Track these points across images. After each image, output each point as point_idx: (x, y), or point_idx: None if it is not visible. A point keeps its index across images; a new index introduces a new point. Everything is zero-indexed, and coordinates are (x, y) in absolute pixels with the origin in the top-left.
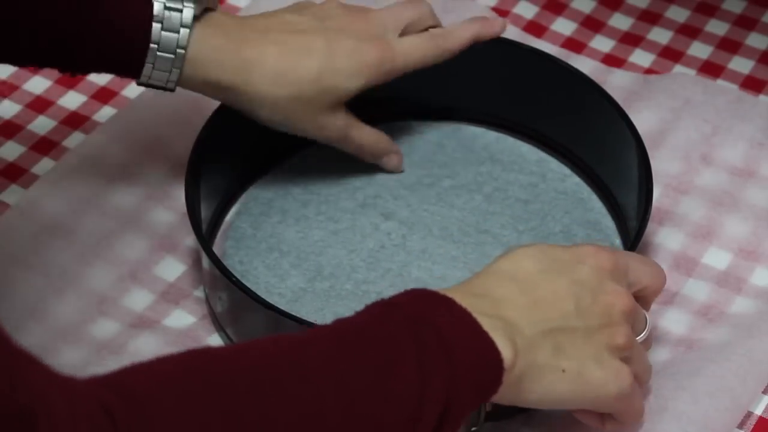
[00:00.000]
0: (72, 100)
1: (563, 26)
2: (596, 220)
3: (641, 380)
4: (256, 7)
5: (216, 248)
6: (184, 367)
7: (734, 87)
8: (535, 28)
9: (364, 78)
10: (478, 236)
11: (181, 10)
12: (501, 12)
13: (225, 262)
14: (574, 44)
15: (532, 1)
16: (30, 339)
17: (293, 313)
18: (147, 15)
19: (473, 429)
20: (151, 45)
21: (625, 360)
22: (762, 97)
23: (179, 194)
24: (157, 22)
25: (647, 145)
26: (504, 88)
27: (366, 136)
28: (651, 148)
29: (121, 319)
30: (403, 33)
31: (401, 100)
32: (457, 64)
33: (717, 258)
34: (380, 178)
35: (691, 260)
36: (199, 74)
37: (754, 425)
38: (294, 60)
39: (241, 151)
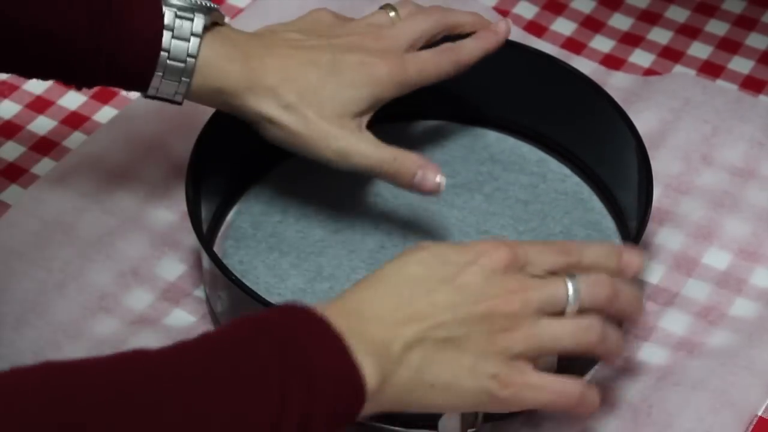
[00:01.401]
0: (72, 100)
1: (563, 26)
2: (596, 221)
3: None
4: (257, 9)
5: (216, 248)
6: (35, 378)
7: (734, 87)
8: (535, 28)
9: (372, 89)
10: (478, 237)
11: (192, 19)
12: (501, 12)
13: (225, 262)
14: (574, 44)
15: (532, 1)
16: (31, 333)
17: None
18: (158, 24)
19: (471, 430)
20: (162, 53)
21: (518, 358)
22: (762, 97)
23: (180, 194)
24: (168, 30)
25: (647, 146)
26: (504, 89)
27: (377, 154)
28: (651, 149)
29: (121, 316)
30: (416, 47)
31: (400, 101)
32: None
33: (717, 258)
34: None
35: (691, 260)
36: (208, 83)
37: (754, 425)
38: (297, 71)
39: (241, 151)
